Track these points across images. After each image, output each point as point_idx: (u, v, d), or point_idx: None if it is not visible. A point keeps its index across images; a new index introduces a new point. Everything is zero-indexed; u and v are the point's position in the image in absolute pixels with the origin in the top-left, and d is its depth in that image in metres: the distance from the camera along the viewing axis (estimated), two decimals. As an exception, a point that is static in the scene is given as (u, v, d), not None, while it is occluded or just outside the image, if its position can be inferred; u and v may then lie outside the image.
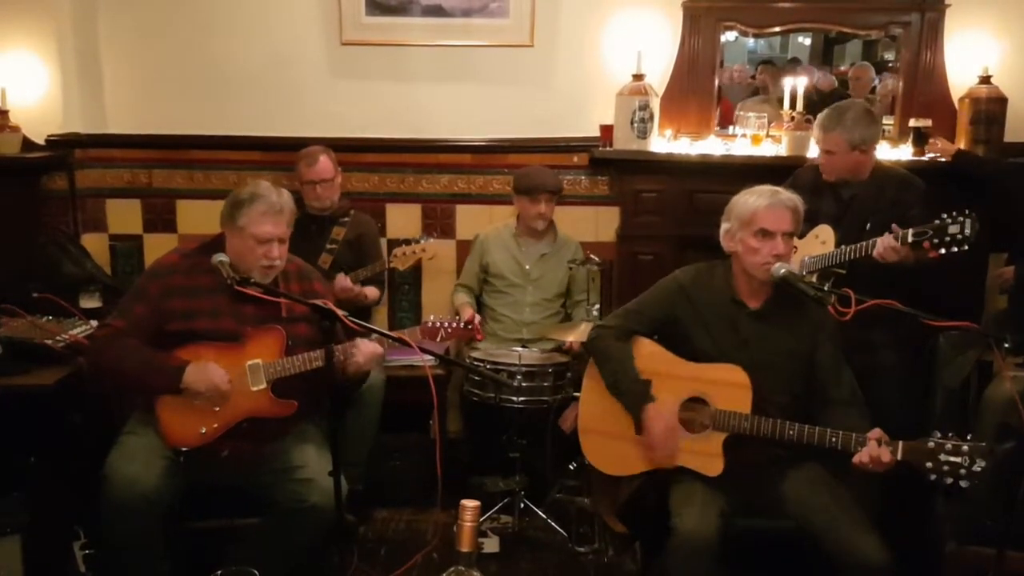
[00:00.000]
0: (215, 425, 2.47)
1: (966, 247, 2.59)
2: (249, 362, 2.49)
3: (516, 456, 3.28)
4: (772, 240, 2.42)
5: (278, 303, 2.53)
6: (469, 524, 1.49)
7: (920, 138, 3.70)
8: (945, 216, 2.62)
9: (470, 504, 1.50)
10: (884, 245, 2.73)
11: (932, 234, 2.63)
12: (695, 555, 2.26)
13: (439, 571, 1.53)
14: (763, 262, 2.43)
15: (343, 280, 3.42)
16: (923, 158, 3.68)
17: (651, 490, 2.52)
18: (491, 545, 3.22)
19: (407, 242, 3.63)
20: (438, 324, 2.69)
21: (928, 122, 3.70)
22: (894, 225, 2.73)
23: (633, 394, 2.51)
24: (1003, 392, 2.72)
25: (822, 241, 3.02)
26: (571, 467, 3.34)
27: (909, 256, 2.71)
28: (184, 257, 2.61)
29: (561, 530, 3.31)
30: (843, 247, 2.90)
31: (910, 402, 3.14)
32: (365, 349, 2.50)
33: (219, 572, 1.51)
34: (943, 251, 2.63)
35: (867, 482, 2.32)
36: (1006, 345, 2.67)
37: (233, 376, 2.46)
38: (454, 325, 2.70)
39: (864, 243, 2.82)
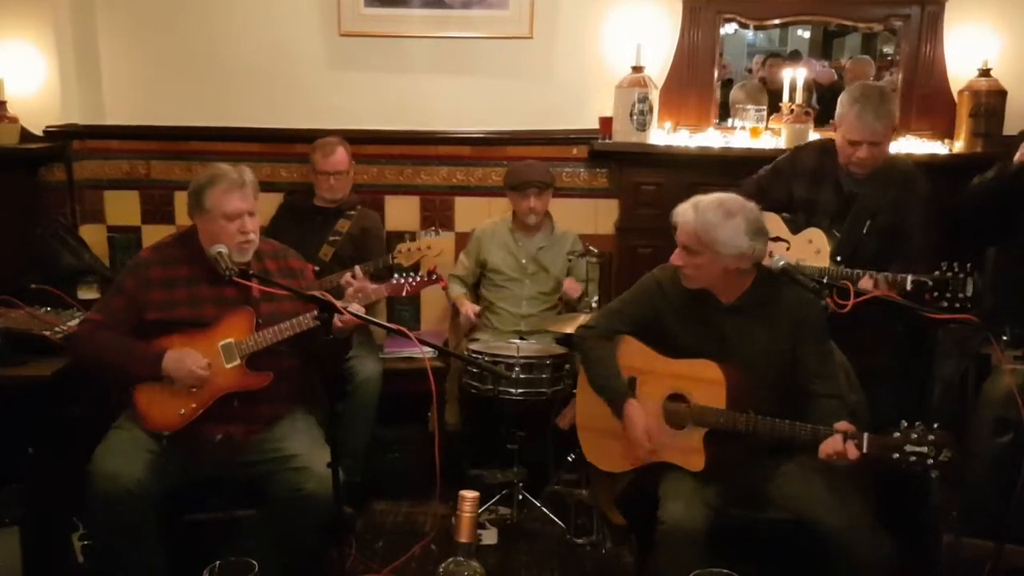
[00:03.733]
0: (193, 405, 2.50)
1: (969, 305, 2.61)
2: (221, 342, 2.53)
3: (514, 448, 3.28)
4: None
5: (250, 284, 2.53)
6: (468, 515, 1.50)
7: None
8: (945, 268, 2.62)
9: (469, 495, 1.50)
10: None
11: (933, 285, 2.65)
12: (682, 546, 2.26)
13: (437, 563, 1.54)
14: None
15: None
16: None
17: (645, 482, 2.53)
18: (489, 537, 3.22)
19: (412, 237, 3.60)
20: (402, 280, 2.82)
21: None
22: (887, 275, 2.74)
23: (614, 392, 2.54)
24: (1001, 386, 2.72)
25: (816, 249, 2.97)
26: (569, 459, 3.34)
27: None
28: (160, 250, 2.66)
29: (559, 522, 3.32)
30: (832, 270, 2.87)
31: (907, 397, 3.14)
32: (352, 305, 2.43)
33: (217, 563, 1.51)
34: (944, 305, 2.63)
35: (863, 472, 2.31)
36: (1004, 338, 2.67)
37: (207, 359, 2.49)
38: (417, 280, 2.83)
39: (851, 272, 2.81)
